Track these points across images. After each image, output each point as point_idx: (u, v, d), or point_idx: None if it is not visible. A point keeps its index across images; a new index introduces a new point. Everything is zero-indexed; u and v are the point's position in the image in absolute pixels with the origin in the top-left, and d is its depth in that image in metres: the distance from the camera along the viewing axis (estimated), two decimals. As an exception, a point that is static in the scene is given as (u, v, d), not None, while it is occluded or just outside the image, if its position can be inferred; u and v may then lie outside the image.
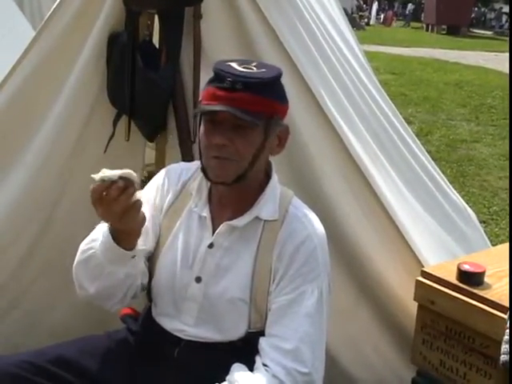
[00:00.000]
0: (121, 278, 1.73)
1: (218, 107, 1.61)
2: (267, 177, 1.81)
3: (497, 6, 39.32)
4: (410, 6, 39.42)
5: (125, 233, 1.63)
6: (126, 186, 1.51)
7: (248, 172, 1.69)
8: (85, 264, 1.73)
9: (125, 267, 1.71)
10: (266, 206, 1.76)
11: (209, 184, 1.82)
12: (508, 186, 5.94)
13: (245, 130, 1.64)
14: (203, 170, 1.73)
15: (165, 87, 2.29)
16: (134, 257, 1.71)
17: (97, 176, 1.51)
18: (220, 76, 1.63)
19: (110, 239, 1.65)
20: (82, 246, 1.75)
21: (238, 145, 1.64)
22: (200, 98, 1.75)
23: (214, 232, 1.78)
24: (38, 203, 2.46)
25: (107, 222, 1.60)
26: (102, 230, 1.70)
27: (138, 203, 1.55)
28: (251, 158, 1.68)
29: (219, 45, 2.30)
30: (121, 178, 1.51)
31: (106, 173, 1.51)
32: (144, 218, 1.62)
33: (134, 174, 1.54)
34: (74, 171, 2.46)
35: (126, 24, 2.28)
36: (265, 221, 1.76)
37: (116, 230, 1.64)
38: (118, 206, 1.51)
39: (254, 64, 1.69)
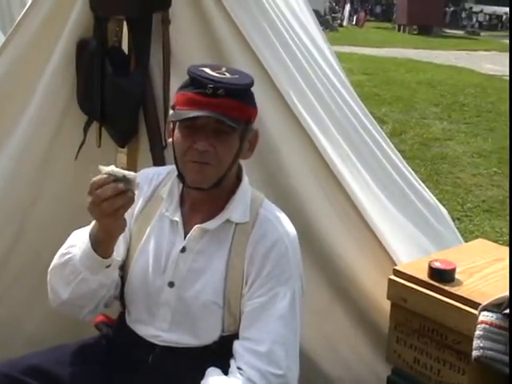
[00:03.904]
0: (94, 287, 1.73)
1: (202, 113, 1.62)
2: (238, 180, 1.83)
3: (467, 5, 39.73)
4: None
5: (103, 237, 1.64)
6: (125, 190, 1.52)
7: (225, 177, 1.71)
8: (61, 268, 1.73)
9: (99, 276, 1.71)
10: (237, 209, 1.78)
11: (180, 188, 1.82)
12: (481, 183, 6.01)
13: (224, 135, 1.67)
14: (180, 175, 1.73)
15: (135, 93, 2.28)
16: (108, 266, 1.71)
17: (104, 169, 1.53)
18: (199, 82, 1.64)
19: (89, 245, 1.66)
20: (61, 250, 1.76)
21: (219, 150, 1.67)
22: (173, 103, 1.76)
23: (185, 236, 1.78)
24: (10, 210, 2.44)
25: (92, 215, 1.58)
26: (81, 236, 1.72)
27: (125, 208, 1.56)
28: (229, 164, 1.71)
29: (188, 49, 2.30)
30: (125, 178, 1.52)
31: (115, 169, 1.53)
32: (125, 225, 1.63)
33: (138, 180, 1.56)
34: (46, 178, 2.45)
35: (95, 30, 2.27)
36: (236, 223, 1.77)
37: (95, 236, 1.65)
38: (109, 206, 1.52)
39: (224, 69, 1.71)
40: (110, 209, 1.53)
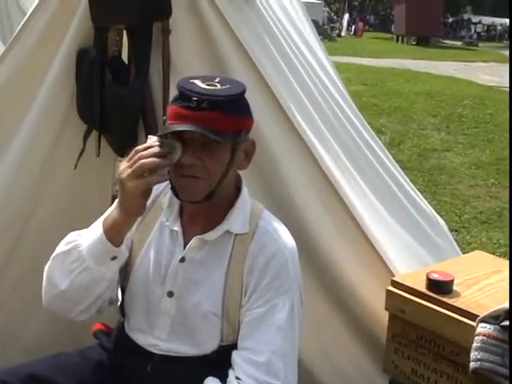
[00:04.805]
0: (96, 278, 1.72)
1: (185, 127, 1.61)
2: (237, 191, 1.82)
3: (465, 16, 39.95)
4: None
5: (121, 219, 1.64)
6: (166, 155, 1.60)
7: (217, 189, 1.69)
8: (65, 256, 1.72)
9: (103, 268, 1.70)
10: (237, 220, 1.77)
11: (180, 199, 1.82)
12: (479, 194, 6.03)
13: (213, 148, 1.64)
14: (172, 188, 1.73)
15: (134, 102, 2.29)
16: (114, 258, 1.71)
17: (153, 137, 1.65)
18: (185, 95, 1.63)
19: (100, 231, 1.67)
20: (67, 238, 1.76)
21: (207, 163, 1.65)
22: (165, 117, 1.76)
23: (185, 246, 1.78)
24: (9, 219, 2.44)
25: (124, 177, 1.59)
26: (89, 228, 1.73)
27: (160, 176, 1.60)
28: (220, 176, 1.68)
29: (188, 59, 2.31)
30: (171, 144, 1.62)
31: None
32: (145, 207, 1.64)
33: (179, 152, 1.62)
34: (45, 187, 2.46)
35: (95, 40, 2.28)
36: (236, 234, 1.76)
37: (110, 220, 1.66)
38: (149, 163, 1.57)
39: (217, 80, 1.69)
40: (148, 166, 1.56)
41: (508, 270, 2.19)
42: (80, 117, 2.37)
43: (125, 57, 2.40)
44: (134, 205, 1.63)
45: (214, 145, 1.64)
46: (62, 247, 1.75)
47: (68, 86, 2.35)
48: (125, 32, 2.34)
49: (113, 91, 2.28)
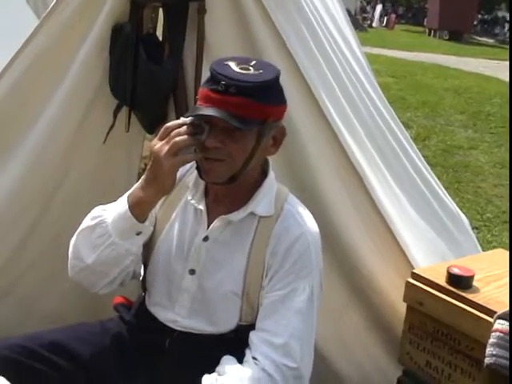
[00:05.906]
0: (121, 253, 1.74)
1: (208, 111, 1.61)
2: (264, 174, 1.82)
3: (500, 13, 39.41)
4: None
5: (150, 194, 1.66)
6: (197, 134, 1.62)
7: (241, 173, 1.69)
8: (90, 231, 1.75)
9: (128, 242, 1.73)
10: (262, 203, 1.78)
11: (205, 178, 1.84)
12: (503, 194, 5.97)
13: (237, 133, 1.63)
14: (197, 168, 1.75)
15: (166, 80, 2.30)
16: (139, 234, 1.74)
17: (183, 119, 1.66)
18: (215, 78, 1.62)
19: (126, 207, 1.69)
20: (92, 213, 1.78)
21: (231, 148, 1.65)
22: (196, 97, 1.77)
23: (209, 225, 1.79)
24: (36, 192, 2.46)
25: (159, 155, 1.61)
26: (114, 203, 1.75)
27: (189, 156, 1.62)
28: (244, 160, 1.68)
29: (222, 40, 2.31)
30: (201, 125, 1.63)
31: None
32: (174, 183, 1.66)
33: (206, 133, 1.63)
34: (73, 160, 2.48)
35: (130, 16, 2.28)
36: (260, 216, 1.77)
37: (137, 196, 1.68)
38: (182, 141, 1.59)
39: (252, 63, 1.66)
40: (183, 144, 1.59)
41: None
42: (111, 92, 2.38)
43: (159, 35, 2.40)
44: (169, 182, 1.64)
45: (238, 131, 1.63)
46: (87, 222, 1.78)
47: (101, 61, 2.36)
48: (161, 9, 2.34)
49: (146, 68, 2.28)
